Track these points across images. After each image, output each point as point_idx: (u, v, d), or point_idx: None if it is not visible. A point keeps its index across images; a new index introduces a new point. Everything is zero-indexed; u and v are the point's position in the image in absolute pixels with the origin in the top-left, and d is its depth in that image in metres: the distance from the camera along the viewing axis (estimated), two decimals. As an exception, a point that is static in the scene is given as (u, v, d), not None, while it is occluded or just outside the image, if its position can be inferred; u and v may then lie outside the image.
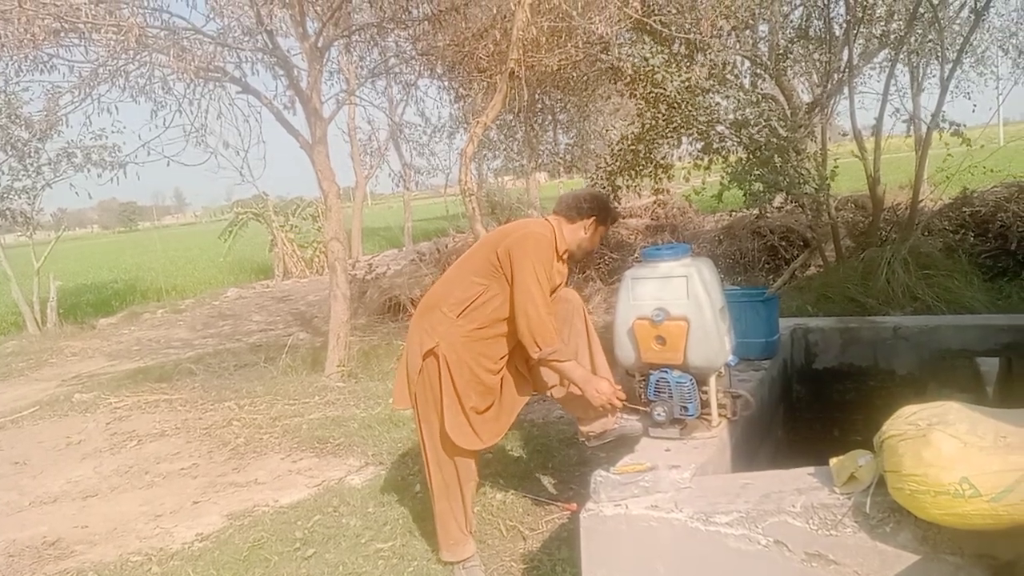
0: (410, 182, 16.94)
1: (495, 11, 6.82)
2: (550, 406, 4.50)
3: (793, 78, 7.15)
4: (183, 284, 15.82)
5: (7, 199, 10.20)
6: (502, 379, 2.86)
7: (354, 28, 7.39)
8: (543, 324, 2.64)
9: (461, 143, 10.06)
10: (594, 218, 2.88)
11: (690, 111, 5.90)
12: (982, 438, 1.63)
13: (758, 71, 6.56)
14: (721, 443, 2.57)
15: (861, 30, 6.15)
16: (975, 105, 9.17)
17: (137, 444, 5.12)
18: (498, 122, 10.30)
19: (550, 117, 11.42)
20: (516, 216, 10.01)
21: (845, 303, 5.37)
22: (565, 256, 2.91)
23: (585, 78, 8.53)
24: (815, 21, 6.51)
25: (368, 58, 9.30)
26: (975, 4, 6.19)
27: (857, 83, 7.25)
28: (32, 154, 9.59)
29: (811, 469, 2.05)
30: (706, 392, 2.62)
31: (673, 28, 5.98)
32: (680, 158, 8.08)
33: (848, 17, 6.03)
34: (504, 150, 12.48)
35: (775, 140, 5.54)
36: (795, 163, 5.57)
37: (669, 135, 6.74)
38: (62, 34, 5.44)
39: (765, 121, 5.53)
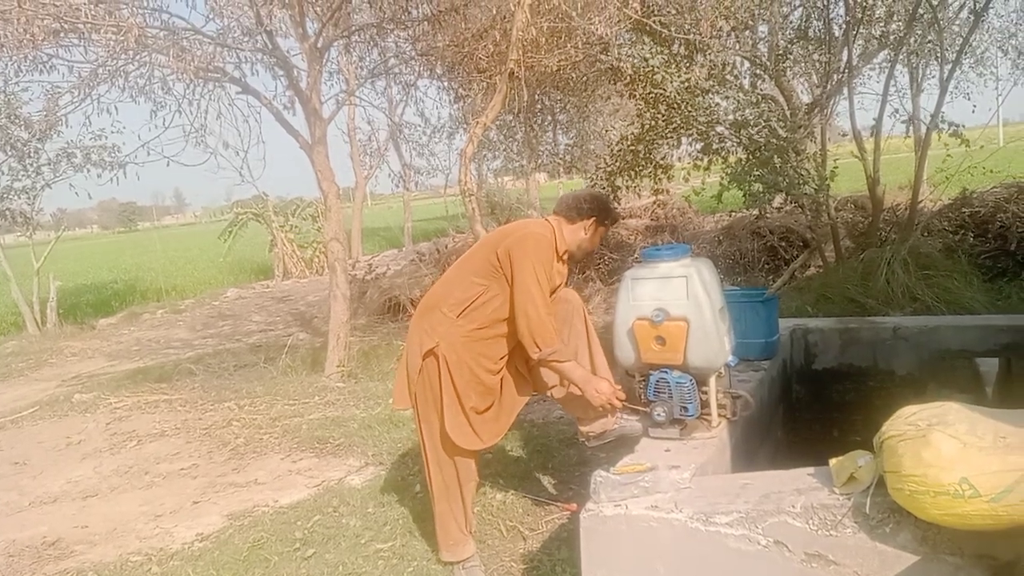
0: (410, 182, 16.94)
1: (495, 12, 6.82)
2: (550, 406, 4.50)
3: (793, 79, 7.15)
4: (183, 284, 15.82)
5: (7, 199, 10.19)
6: (502, 379, 2.86)
7: (354, 28, 7.39)
8: (543, 324, 2.64)
9: (461, 143, 10.06)
10: (594, 219, 2.89)
11: (690, 112, 5.90)
12: (981, 438, 1.63)
13: (758, 72, 6.57)
14: (721, 443, 2.57)
15: (860, 31, 6.15)
16: (975, 106, 9.22)
17: (137, 444, 5.12)
18: (498, 122, 10.29)
19: (550, 117, 11.41)
20: (516, 216, 10.01)
21: (845, 303, 5.38)
22: (565, 257, 2.92)
23: (585, 79, 8.53)
24: (815, 22, 6.52)
25: (368, 58, 9.30)
26: (974, 5, 6.19)
27: (857, 84, 7.27)
28: (32, 154, 9.58)
29: (811, 469, 2.05)
30: (706, 392, 2.62)
31: (673, 29, 5.98)
32: (680, 159, 8.08)
33: (847, 18, 6.04)
34: (504, 150, 12.48)
35: (775, 141, 5.54)
36: (795, 164, 5.57)
37: (669, 136, 6.74)
38: (61, 34, 5.44)
39: (765, 122, 5.53)
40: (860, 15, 5.97)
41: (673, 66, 5.77)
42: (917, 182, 6.39)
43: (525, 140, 11.30)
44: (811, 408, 3.90)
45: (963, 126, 5.85)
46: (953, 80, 7.11)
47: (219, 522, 3.71)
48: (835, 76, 6.26)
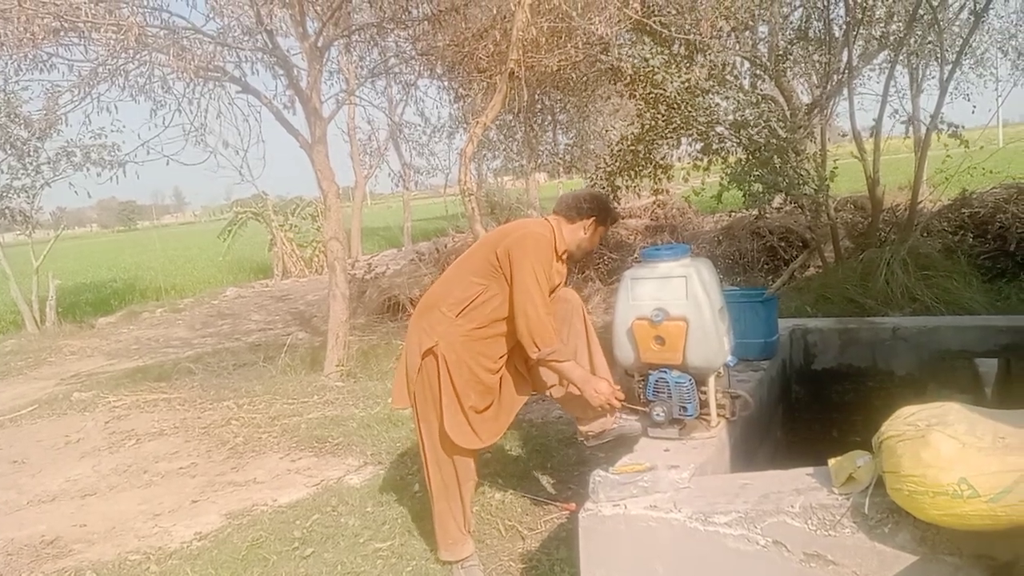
0: (409, 182, 16.94)
1: (495, 11, 6.82)
2: (549, 406, 4.50)
3: (793, 79, 7.15)
4: (182, 283, 15.82)
5: (6, 198, 10.19)
6: (501, 379, 2.86)
7: (354, 28, 7.39)
8: (542, 324, 2.64)
9: (461, 143, 10.07)
10: (594, 218, 2.89)
11: (690, 112, 5.90)
12: (981, 439, 1.63)
13: (758, 72, 6.57)
14: (720, 443, 2.57)
15: (861, 31, 6.15)
16: (974, 106, 9.23)
17: (136, 443, 5.11)
18: (498, 122, 10.30)
19: (550, 117, 11.42)
20: (516, 216, 10.01)
21: (844, 304, 5.38)
22: (564, 256, 2.92)
23: (585, 79, 8.54)
24: (815, 22, 6.52)
25: (368, 58, 9.31)
26: (974, 6, 6.20)
27: (856, 84, 7.27)
28: (31, 153, 9.58)
29: (810, 470, 2.05)
30: (705, 392, 2.62)
31: (673, 29, 5.99)
32: (680, 159, 8.09)
33: (848, 18, 6.04)
34: (504, 150, 12.49)
35: (774, 141, 5.54)
36: (794, 164, 5.58)
37: (669, 136, 6.74)
38: (62, 33, 5.43)
39: (765, 122, 5.53)
40: (860, 16, 5.97)
41: (673, 66, 5.77)
42: (917, 183, 6.40)
43: (525, 140, 11.30)
44: (810, 408, 3.90)
45: (963, 127, 5.86)
46: (953, 81, 7.12)
47: (218, 521, 3.71)
48: (835, 76, 6.27)
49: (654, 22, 5.98)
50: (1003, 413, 1.74)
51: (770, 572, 1.91)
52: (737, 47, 6.36)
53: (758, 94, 6.11)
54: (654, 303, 2.58)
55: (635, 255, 7.04)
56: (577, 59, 7.17)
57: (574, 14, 6.23)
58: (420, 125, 13.22)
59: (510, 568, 2.93)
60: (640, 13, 5.96)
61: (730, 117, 5.82)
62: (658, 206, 10.92)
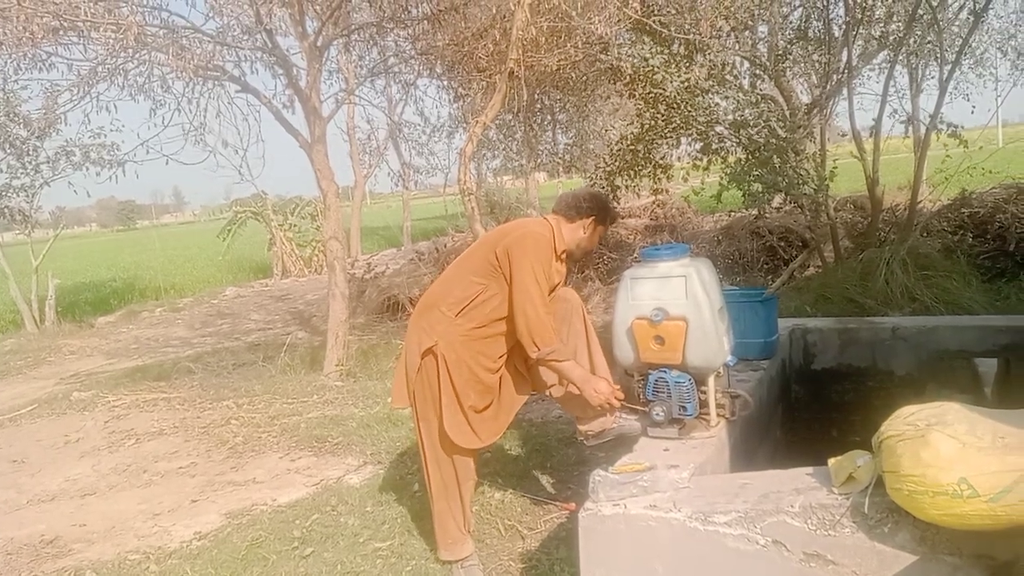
0: (409, 181, 16.94)
1: (494, 11, 6.82)
2: (549, 405, 4.50)
3: (792, 79, 7.15)
4: (182, 283, 15.81)
5: (5, 197, 10.18)
6: (501, 378, 2.86)
7: (353, 27, 7.39)
8: (541, 324, 2.64)
9: (460, 142, 10.07)
10: (593, 218, 2.89)
11: (689, 111, 5.90)
12: (980, 439, 1.63)
13: (757, 72, 6.57)
14: (720, 443, 2.57)
15: (860, 31, 6.15)
16: (974, 106, 9.21)
17: (135, 442, 5.11)
18: (497, 122, 10.30)
19: (549, 117, 11.41)
20: (515, 216, 10.01)
21: (844, 304, 5.38)
22: (563, 256, 2.92)
23: (584, 78, 8.54)
24: (814, 22, 6.52)
25: (367, 57, 9.31)
26: (974, 6, 6.20)
27: (856, 84, 7.27)
28: (31, 152, 9.58)
29: (809, 469, 2.05)
30: (705, 392, 2.62)
31: (672, 28, 5.98)
32: (679, 158, 8.09)
33: (847, 18, 6.04)
34: (503, 150, 12.48)
35: (774, 141, 5.54)
36: (794, 164, 5.58)
37: (668, 135, 6.74)
38: (61, 32, 5.43)
39: (764, 122, 5.53)
40: (860, 15, 5.97)
41: (673, 66, 5.77)
42: (916, 182, 6.40)
43: (524, 139, 11.30)
44: (810, 408, 3.90)
45: (962, 127, 5.86)
46: (952, 81, 7.11)
47: (217, 521, 3.70)
48: (835, 76, 6.27)
49: (654, 22, 5.98)
50: (1003, 413, 1.74)
51: (770, 572, 1.91)
52: (737, 47, 6.36)
53: (758, 94, 6.11)
54: (654, 303, 2.58)
55: (635, 255, 7.04)
56: (577, 59, 7.17)
57: (574, 14, 6.23)
58: (419, 124, 13.25)
59: (510, 568, 2.93)
60: (640, 13, 5.96)
61: (730, 117, 5.82)
62: (658, 206, 10.93)
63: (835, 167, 6.05)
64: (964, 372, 3.50)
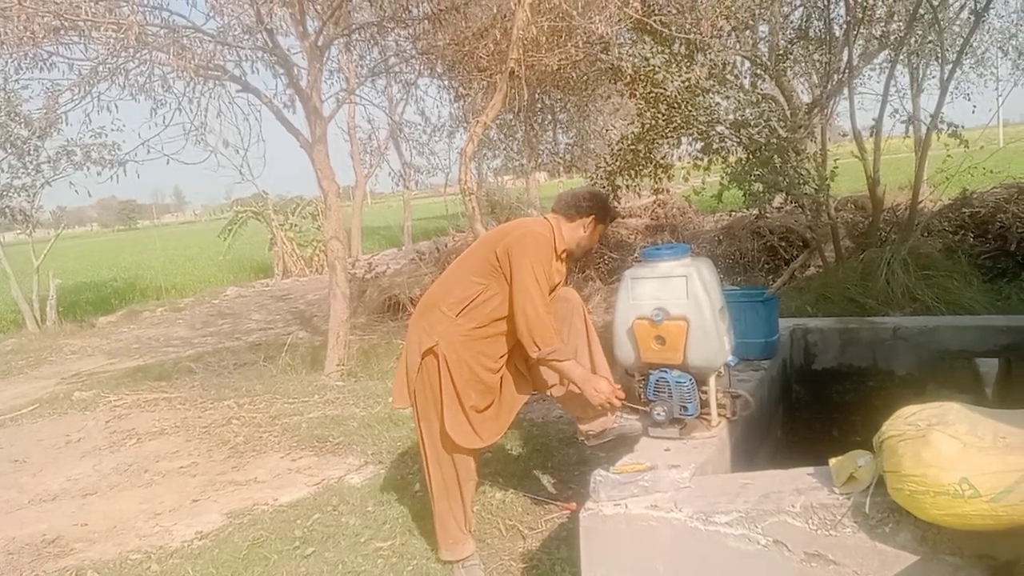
0: (410, 181, 16.92)
1: (495, 10, 6.81)
2: (549, 405, 4.50)
3: (793, 79, 7.15)
4: (183, 282, 15.82)
5: (6, 197, 10.18)
6: (502, 378, 2.86)
7: (354, 27, 7.39)
8: (542, 323, 2.64)
9: (461, 142, 10.06)
10: (593, 216, 2.89)
11: (690, 111, 5.90)
12: (981, 439, 1.63)
13: (758, 71, 6.57)
14: (721, 443, 2.57)
15: (861, 31, 6.15)
16: (975, 106, 9.22)
17: (136, 442, 5.12)
18: (498, 121, 10.29)
19: (550, 117, 11.40)
20: (516, 215, 10.01)
21: (844, 303, 5.38)
22: (564, 255, 2.91)
23: (585, 78, 8.53)
24: (815, 22, 6.52)
25: (368, 57, 9.29)
26: (975, 5, 6.20)
27: (857, 84, 7.26)
28: (32, 152, 9.57)
29: (810, 469, 2.05)
30: (705, 392, 2.62)
31: (673, 28, 5.98)
32: (680, 158, 8.08)
33: (848, 18, 6.04)
34: (504, 149, 12.47)
35: (775, 140, 5.54)
36: (795, 163, 5.58)
37: (669, 135, 6.73)
38: (62, 32, 5.43)
39: (765, 121, 5.53)
40: (861, 15, 5.97)
41: (674, 65, 5.77)
42: (917, 182, 6.39)
43: (525, 139, 11.30)
44: (811, 408, 3.90)
45: (963, 126, 5.86)
46: (953, 80, 7.11)
47: (219, 520, 3.71)
48: (835, 76, 6.26)
49: (654, 21, 5.97)
50: (1004, 413, 1.74)
51: (771, 572, 1.91)
52: (737, 46, 6.36)
53: (758, 93, 6.11)
54: (654, 303, 2.58)
55: (635, 254, 7.04)
56: (577, 58, 7.16)
57: (574, 13, 6.22)
58: (420, 124, 13.20)
59: (511, 567, 2.93)
60: (640, 12, 5.95)
61: (730, 116, 5.82)
62: (658, 205, 10.92)
63: (836, 167, 6.05)
64: (965, 372, 3.50)
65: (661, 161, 7.24)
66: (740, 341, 2.86)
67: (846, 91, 6.37)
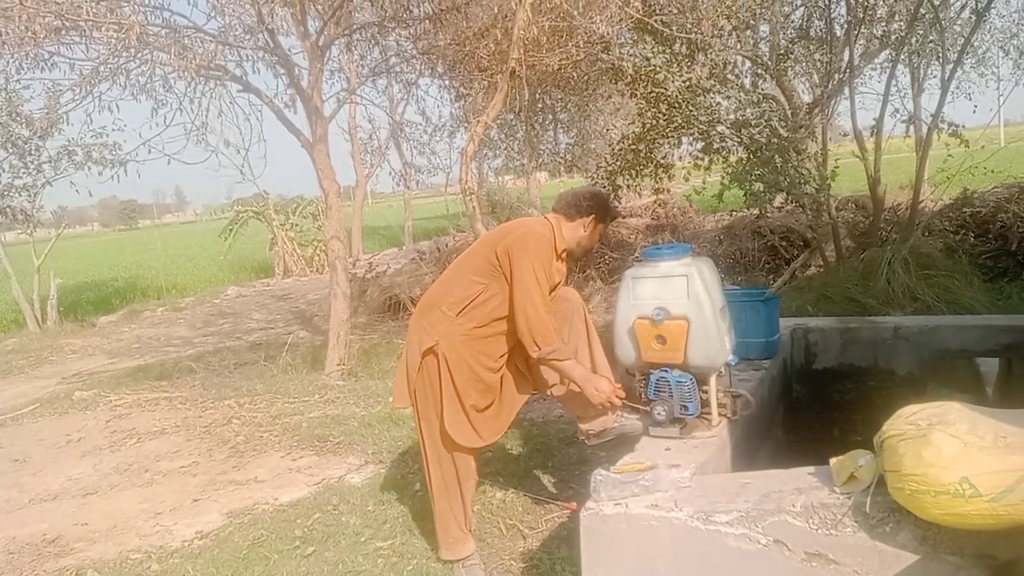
0: (411, 181, 16.89)
1: (496, 10, 6.82)
2: (550, 404, 4.50)
3: (794, 78, 7.14)
4: (183, 282, 15.83)
5: (8, 197, 10.19)
6: (502, 377, 2.86)
7: (355, 27, 7.39)
8: (542, 323, 2.64)
9: (462, 142, 10.05)
10: (593, 216, 2.88)
11: (691, 111, 5.90)
12: (982, 438, 1.63)
13: (759, 71, 6.56)
14: (721, 442, 2.57)
15: (862, 31, 6.15)
16: (976, 106, 9.23)
17: (137, 442, 5.12)
18: (499, 121, 10.29)
19: (551, 116, 11.41)
20: (516, 215, 10.01)
21: (845, 303, 5.38)
22: (564, 255, 2.91)
23: (586, 78, 8.53)
24: (816, 21, 6.52)
25: (369, 57, 9.28)
26: (976, 5, 6.19)
27: (858, 83, 7.26)
28: (33, 152, 9.59)
29: (811, 469, 2.05)
30: (706, 391, 2.62)
31: (674, 28, 5.98)
32: (681, 158, 8.08)
33: (849, 18, 6.04)
34: (505, 149, 12.48)
35: (776, 140, 5.54)
36: (796, 163, 5.58)
37: (670, 135, 6.73)
38: (63, 32, 5.44)
39: (766, 121, 5.53)
40: (862, 15, 5.97)
41: (674, 65, 5.77)
42: (918, 182, 6.39)
43: (526, 139, 11.30)
44: (811, 407, 3.90)
45: (964, 126, 5.86)
46: (954, 80, 7.11)
47: (219, 520, 3.71)
48: (836, 76, 6.26)
49: (655, 21, 5.97)
50: (1004, 412, 1.74)
51: (771, 571, 1.91)
52: (738, 46, 6.36)
53: (759, 93, 6.12)
54: (655, 302, 2.58)
55: (636, 254, 7.03)
56: (578, 58, 7.16)
57: (575, 13, 6.22)
58: (421, 124, 13.18)
59: (511, 567, 2.93)
60: (641, 12, 5.95)
61: (731, 116, 5.82)
62: (659, 205, 10.92)
63: (837, 166, 6.05)
64: (966, 372, 3.50)
65: (662, 161, 7.24)
66: (741, 340, 2.86)
67: (847, 91, 6.37)
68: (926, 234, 6.26)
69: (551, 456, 3.93)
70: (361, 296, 8.76)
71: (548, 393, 3.00)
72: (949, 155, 6.17)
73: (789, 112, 6.13)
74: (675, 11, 6.13)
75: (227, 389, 6.16)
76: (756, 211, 6.25)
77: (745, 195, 5.73)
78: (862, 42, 6.39)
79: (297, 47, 6.26)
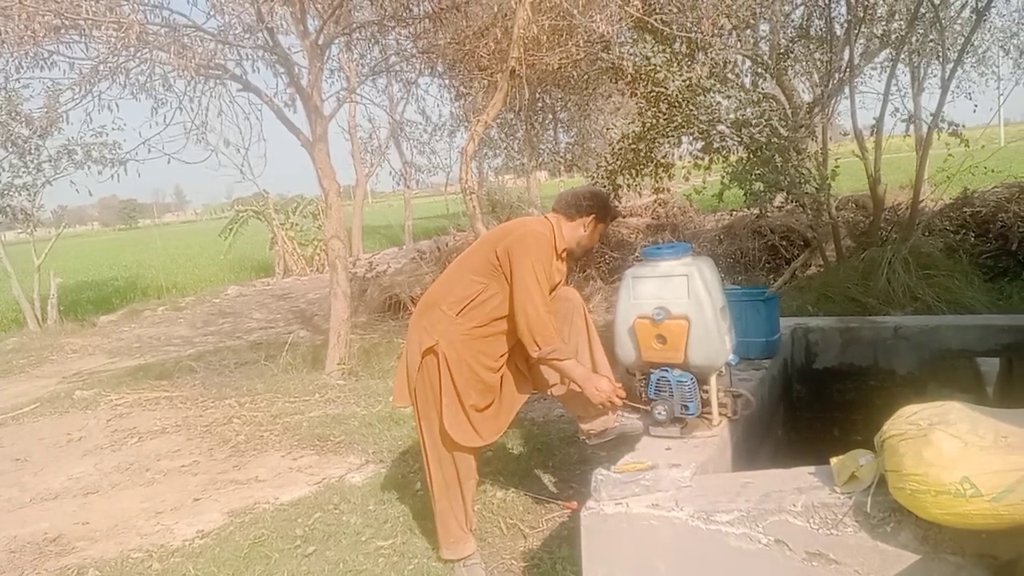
0: (411, 180, 16.89)
1: (496, 9, 6.82)
2: (550, 404, 4.50)
3: (794, 77, 7.14)
4: (183, 282, 15.82)
5: (8, 196, 10.18)
6: (502, 377, 2.86)
7: (355, 26, 7.39)
8: (542, 323, 2.64)
9: (462, 141, 10.06)
10: (593, 216, 2.88)
11: (691, 110, 5.90)
12: (983, 438, 1.63)
13: (759, 70, 6.56)
14: (722, 442, 2.57)
15: (862, 30, 6.14)
16: (976, 105, 9.21)
17: (138, 441, 5.12)
18: (499, 120, 10.29)
19: (551, 116, 11.41)
20: (517, 214, 10.01)
21: (846, 303, 5.38)
22: (564, 254, 2.91)
23: (586, 77, 8.53)
24: (816, 20, 6.51)
25: (369, 56, 9.28)
26: (976, 4, 6.19)
27: (858, 83, 7.24)
28: (32, 151, 9.57)
29: (812, 468, 2.05)
30: (707, 391, 2.62)
31: (674, 27, 5.98)
32: (681, 157, 8.07)
33: (849, 17, 6.03)
34: (505, 148, 12.48)
35: (776, 139, 5.54)
36: (796, 163, 5.57)
37: (670, 134, 6.73)
38: (63, 31, 5.43)
39: (766, 121, 5.53)
40: (862, 14, 5.96)
41: (674, 64, 5.76)
42: (918, 181, 6.39)
43: (526, 138, 11.30)
44: (812, 407, 3.90)
45: (964, 125, 5.86)
46: (955, 79, 7.11)
47: (220, 519, 3.71)
48: (836, 75, 6.25)
49: (655, 20, 5.97)
50: (1005, 412, 1.74)
51: (772, 571, 1.91)
52: (738, 45, 6.35)
53: (759, 92, 6.11)
54: (656, 302, 2.58)
55: (636, 254, 7.04)
56: (578, 57, 7.17)
57: (575, 12, 6.22)
58: (421, 123, 13.16)
59: (512, 566, 2.94)
60: (641, 11, 5.95)
61: (731, 116, 5.81)
62: (659, 205, 10.92)
63: (837, 166, 6.04)
64: (966, 371, 3.50)
65: (662, 160, 7.23)
66: (741, 340, 2.86)
67: (847, 90, 6.36)
68: (926, 234, 6.26)
69: (552, 455, 3.94)
70: (361, 295, 8.76)
71: (548, 393, 3.00)
72: (949, 155, 6.17)
73: (789, 111, 6.12)
74: (675, 10, 6.13)
75: (228, 388, 6.16)
76: (756, 211, 6.25)
77: (745, 195, 5.73)
78: (862, 41, 6.39)
79: (297, 46, 6.26)
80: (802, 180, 5.49)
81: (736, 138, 5.98)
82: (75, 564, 3.40)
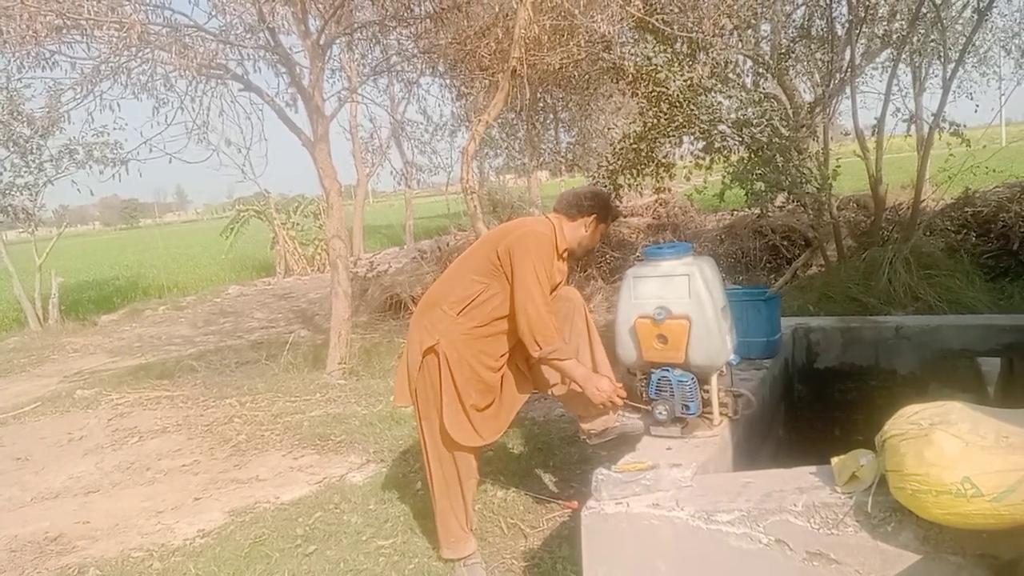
0: (412, 180, 16.90)
1: (497, 9, 6.81)
2: (551, 404, 4.50)
3: (795, 77, 7.14)
4: (185, 281, 15.83)
5: (9, 195, 10.20)
6: (502, 377, 2.86)
7: (356, 26, 7.38)
8: (543, 323, 2.64)
9: (463, 141, 10.06)
10: (594, 216, 2.88)
11: (692, 110, 5.90)
12: (984, 438, 1.63)
13: (760, 70, 6.56)
14: (722, 442, 2.57)
15: (863, 30, 6.14)
16: (977, 105, 9.19)
17: (139, 440, 5.12)
18: (500, 120, 10.29)
19: (552, 116, 11.41)
20: (518, 214, 10.01)
21: (847, 303, 5.37)
22: (565, 254, 2.91)
23: (587, 77, 8.52)
24: (817, 20, 6.51)
25: (370, 56, 9.28)
26: (978, 4, 6.18)
27: (859, 83, 7.23)
28: (34, 151, 9.60)
29: (813, 468, 2.05)
30: (707, 391, 2.62)
31: (675, 27, 5.98)
32: (682, 157, 8.07)
33: (850, 17, 6.03)
34: (506, 148, 12.49)
35: (777, 139, 5.54)
36: (797, 162, 5.57)
37: (671, 134, 6.72)
38: (64, 31, 5.43)
39: (767, 120, 5.53)
40: (863, 14, 5.96)
41: (675, 64, 5.76)
42: (919, 181, 6.39)
43: (527, 138, 11.31)
44: (813, 407, 3.90)
45: (965, 125, 5.85)
46: (956, 79, 7.10)
47: (220, 518, 3.71)
48: (838, 75, 6.25)
49: (656, 20, 5.97)
50: (1006, 412, 1.74)
51: (773, 570, 1.91)
52: (739, 45, 6.35)
53: (760, 92, 6.11)
54: (657, 301, 2.58)
55: (637, 253, 7.04)
56: (579, 57, 7.16)
57: (576, 12, 6.22)
58: (422, 123, 13.17)
59: (512, 566, 2.94)
60: (642, 11, 5.95)
61: (732, 115, 5.81)
62: (660, 204, 10.92)
63: (838, 166, 6.04)
64: (967, 371, 3.50)
65: (663, 160, 7.23)
66: (742, 340, 2.86)
67: (848, 90, 6.36)
68: (928, 234, 6.25)
69: (552, 455, 3.94)
70: (362, 295, 8.76)
71: (549, 392, 3.00)
72: (951, 154, 6.16)
73: (790, 111, 6.12)
74: (676, 10, 6.13)
75: (228, 388, 6.17)
76: (757, 210, 6.24)
77: (746, 194, 5.72)
78: (863, 41, 6.39)
79: (298, 46, 6.26)
80: (803, 180, 5.49)
81: (737, 138, 5.98)
82: (76, 563, 3.40)
